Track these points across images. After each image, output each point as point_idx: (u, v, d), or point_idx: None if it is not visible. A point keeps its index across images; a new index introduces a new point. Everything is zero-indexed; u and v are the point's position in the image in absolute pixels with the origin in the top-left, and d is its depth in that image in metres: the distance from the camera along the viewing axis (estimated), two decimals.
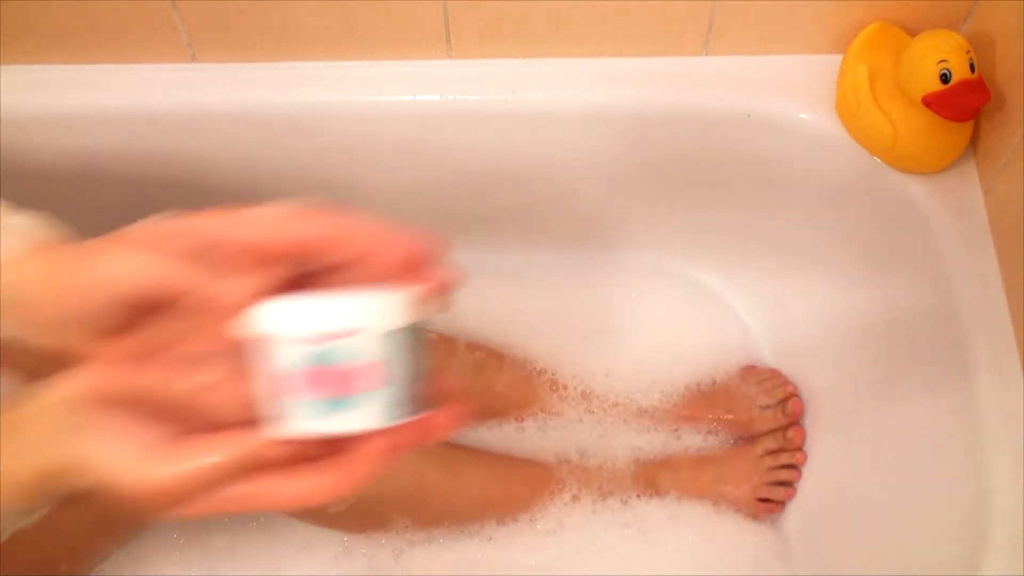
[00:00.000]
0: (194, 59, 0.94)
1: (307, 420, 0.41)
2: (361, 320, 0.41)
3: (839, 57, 0.90)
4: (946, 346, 0.82)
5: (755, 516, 1.02)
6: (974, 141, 0.87)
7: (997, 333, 0.79)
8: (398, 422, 0.42)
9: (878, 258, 0.94)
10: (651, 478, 1.03)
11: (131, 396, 0.43)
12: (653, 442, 1.06)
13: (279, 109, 0.94)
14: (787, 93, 0.91)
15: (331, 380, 0.41)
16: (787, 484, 1.02)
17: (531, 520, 1.00)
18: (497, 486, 0.98)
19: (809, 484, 1.02)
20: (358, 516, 0.94)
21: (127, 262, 0.41)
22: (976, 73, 0.80)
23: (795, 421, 1.03)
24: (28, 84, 0.94)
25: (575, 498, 1.01)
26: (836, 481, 0.99)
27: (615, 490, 1.02)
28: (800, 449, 1.02)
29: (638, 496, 1.02)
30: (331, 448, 0.42)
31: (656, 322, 1.11)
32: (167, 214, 0.43)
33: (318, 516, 0.92)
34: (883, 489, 0.90)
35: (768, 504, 1.02)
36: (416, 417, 0.43)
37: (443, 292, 0.44)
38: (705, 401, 1.06)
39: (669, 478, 1.02)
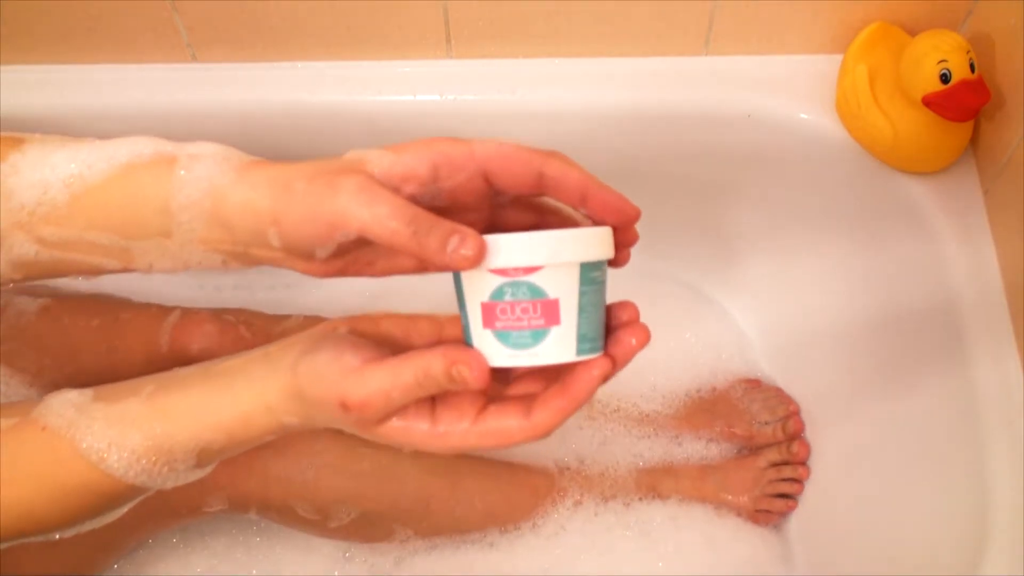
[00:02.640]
0: (194, 59, 0.94)
1: (505, 351, 0.46)
2: (556, 255, 0.44)
3: (839, 57, 0.90)
4: (946, 346, 0.81)
5: (755, 524, 1.02)
6: (974, 141, 0.87)
7: (997, 333, 0.79)
8: (588, 356, 0.46)
9: (878, 258, 0.94)
10: (653, 484, 1.02)
11: (357, 331, 0.50)
12: (654, 449, 1.05)
13: (279, 109, 0.94)
14: (787, 93, 0.91)
15: (526, 312, 0.45)
16: (788, 497, 1.02)
17: (533, 526, 1.00)
18: (499, 496, 0.98)
19: (809, 486, 1.02)
20: (359, 529, 0.93)
21: (369, 211, 0.44)
22: (976, 73, 0.80)
23: (795, 438, 1.03)
24: (28, 84, 0.94)
25: (577, 503, 1.01)
26: (836, 483, 0.98)
27: (617, 495, 1.02)
28: (804, 464, 1.02)
29: (640, 499, 1.02)
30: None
31: (655, 326, 1.11)
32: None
33: (319, 528, 0.92)
34: (883, 491, 0.90)
35: (768, 515, 1.01)
36: (600, 354, 0.47)
37: (629, 237, 0.48)
38: (707, 415, 1.06)
39: (671, 485, 1.02)
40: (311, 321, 0.95)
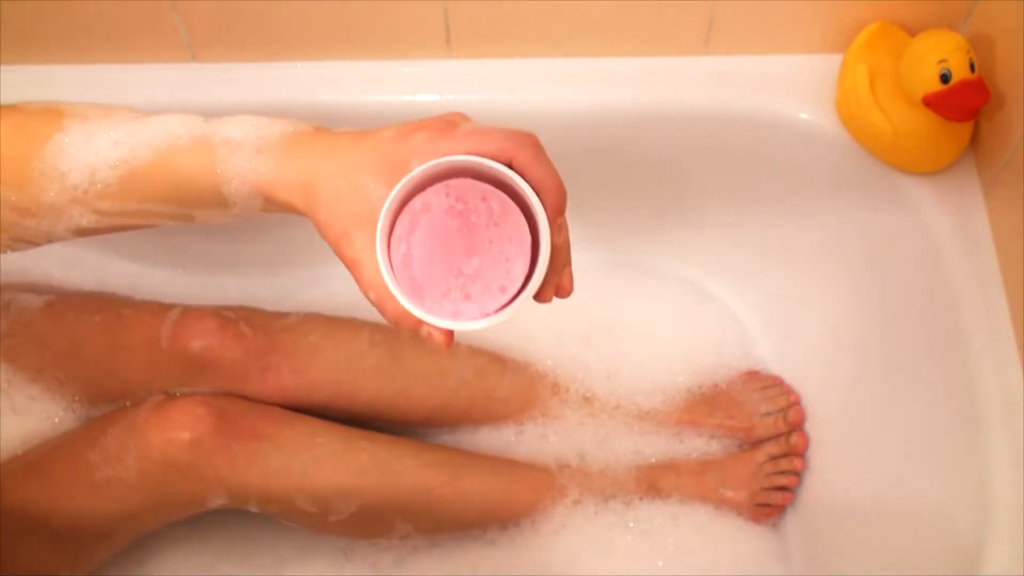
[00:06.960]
0: (194, 59, 0.94)
1: None
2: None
3: (839, 57, 0.90)
4: (946, 346, 0.82)
5: (755, 520, 1.02)
6: (974, 141, 0.87)
7: (996, 333, 0.79)
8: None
9: (878, 257, 0.94)
10: (653, 481, 1.02)
11: None
12: (655, 445, 1.05)
13: (279, 109, 0.93)
14: (787, 93, 0.91)
15: None
16: (785, 489, 1.02)
17: (533, 523, 1.00)
18: (499, 491, 0.98)
19: (809, 485, 1.02)
20: (359, 523, 0.93)
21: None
22: (976, 73, 0.80)
23: (796, 429, 1.03)
24: (28, 84, 0.94)
25: (577, 502, 1.01)
26: (836, 482, 0.98)
27: (617, 493, 1.02)
28: (800, 456, 1.02)
29: (640, 499, 1.02)
30: None
31: (656, 324, 1.11)
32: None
33: (319, 521, 0.92)
34: (882, 488, 0.90)
35: (767, 508, 1.01)
36: None
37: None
38: (706, 406, 1.06)
39: (671, 482, 1.02)
40: (310, 318, 0.96)
